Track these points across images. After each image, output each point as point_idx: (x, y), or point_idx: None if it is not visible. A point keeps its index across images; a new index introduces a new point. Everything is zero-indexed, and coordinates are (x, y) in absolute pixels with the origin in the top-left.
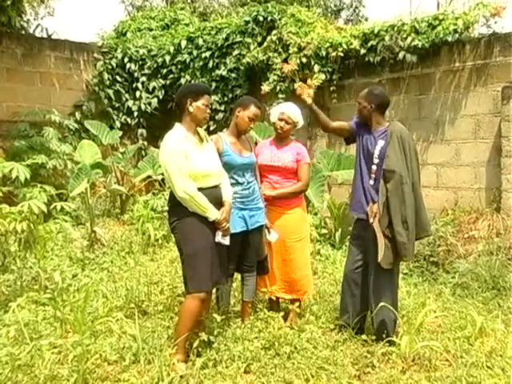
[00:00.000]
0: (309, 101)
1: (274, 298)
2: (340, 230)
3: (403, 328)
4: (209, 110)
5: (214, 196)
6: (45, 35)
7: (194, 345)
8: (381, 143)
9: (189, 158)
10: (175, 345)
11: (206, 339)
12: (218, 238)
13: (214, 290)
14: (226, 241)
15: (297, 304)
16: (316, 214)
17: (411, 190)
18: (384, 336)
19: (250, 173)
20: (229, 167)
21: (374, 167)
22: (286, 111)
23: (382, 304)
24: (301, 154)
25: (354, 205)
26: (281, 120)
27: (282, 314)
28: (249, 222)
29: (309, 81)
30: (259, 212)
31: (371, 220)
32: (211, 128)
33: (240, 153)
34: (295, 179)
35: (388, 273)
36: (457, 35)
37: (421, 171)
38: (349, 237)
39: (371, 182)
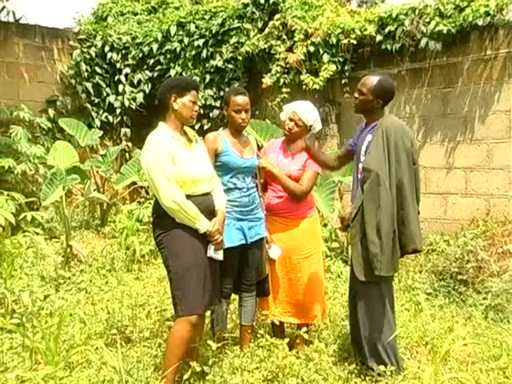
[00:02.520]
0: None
1: (278, 323)
2: None
3: (427, 357)
4: (197, 108)
5: (206, 205)
6: (11, 19)
7: (185, 376)
8: (368, 138)
9: (176, 162)
10: (163, 377)
11: (198, 370)
12: (210, 252)
13: (207, 313)
14: (220, 255)
15: (304, 329)
16: (325, 225)
17: (390, 193)
18: (379, 365)
19: (251, 178)
20: (228, 169)
21: (360, 165)
22: (299, 111)
23: (370, 326)
24: (311, 163)
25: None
26: (290, 120)
27: (287, 340)
28: (248, 234)
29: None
30: (259, 223)
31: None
32: (205, 127)
33: (241, 154)
34: None
35: (372, 289)
36: (488, 18)
37: (446, 176)
38: None
39: (358, 183)
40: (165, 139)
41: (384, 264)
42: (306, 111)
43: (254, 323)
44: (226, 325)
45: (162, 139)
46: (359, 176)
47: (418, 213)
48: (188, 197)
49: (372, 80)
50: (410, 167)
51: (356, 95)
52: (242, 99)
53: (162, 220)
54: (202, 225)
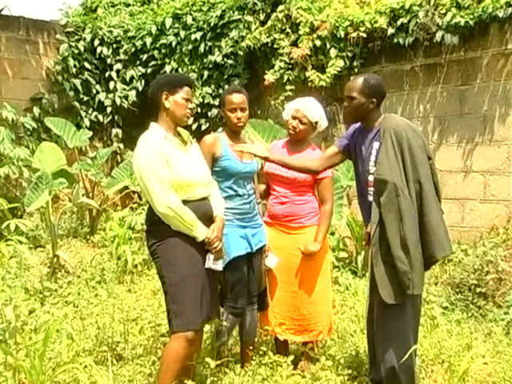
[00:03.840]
0: (262, 155)
1: (282, 338)
2: (363, 252)
3: (443, 377)
4: (191, 105)
5: (203, 211)
6: None
7: None
8: (375, 146)
9: (170, 164)
10: None
11: None
12: (209, 263)
13: (205, 328)
14: (219, 266)
15: (310, 346)
16: (333, 233)
17: (411, 201)
18: None
19: (251, 184)
20: (228, 175)
21: (371, 177)
22: (302, 108)
23: (388, 347)
24: None
25: (365, 221)
26: (294, 118)
27: (291, 358)
28: (252, 241)
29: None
30: (260, 229)
31: (363, 243)
32: (203, 127)
33: (241, 158)
34: (309, 193)
35: (394, 309)
36: (510, 9)
37: (464, 180)
38: None
39: (369, 198)
40: (158, 140)
41: (416, 281)
42: (310, 107)
43: (256, 339)
44: (227, 340)
45: (154, 140)
46: (370, 189)
47: (442, 212)
48: (184, 202)
49: (357, 81)
50: (427, 164)
51: (346, 104)
52: (236, 97)
53: (157, 228)
54: (200, 232)
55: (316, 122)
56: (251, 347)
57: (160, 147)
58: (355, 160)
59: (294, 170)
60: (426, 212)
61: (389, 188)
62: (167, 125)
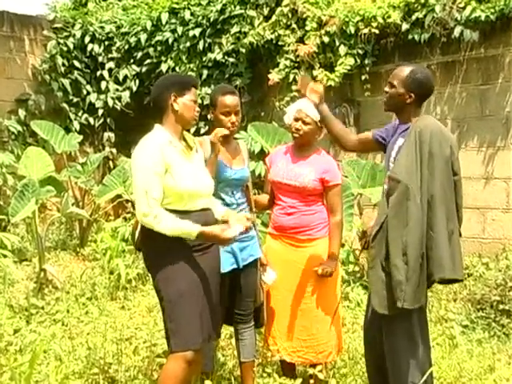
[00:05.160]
0: (315, 99)
1: (288, 360)
2: None
3: None
4: (198, 108)
5: (204, 221)
6: None
7: None
8: (399, 142)
9: (172, 172)
10: None
11: None
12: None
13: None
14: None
15: (319, 368)
16: (343, 245)
17: (420, 209)
18: None
19: (241, 192)
20: (214, 181)
21: (388, 173)
22: (303, 107)
23: (399, 369)
24: (329, 171)
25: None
26: (297, 120)
27: (299, 381)
28: (240, 256)
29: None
30: (252, 242)
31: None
32: (202, 131)
33: (230, 164)
34: (318, 202)
35: (398, 322)
36: None
37: (485, 188)
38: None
39: (384, 194)
40: (162, 144)
41: (409, 295)
42: (312, 105)
43: (256, 358)
44: (212, 363)
45: (158, 143)
46: (385, 186)
47: (460, 235)
48: (184, 213)
49: (404, 70)
50: (449, 179)
51: (386, 89)
52: (231, 100)
53: (153, 239)
54: (190, 232)
55: (320, 121)
56: (252, 367)
57: (162, 153)
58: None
59: (330, 131)
60: (433, 226)
61: (400, 189)
62: (174, 128)
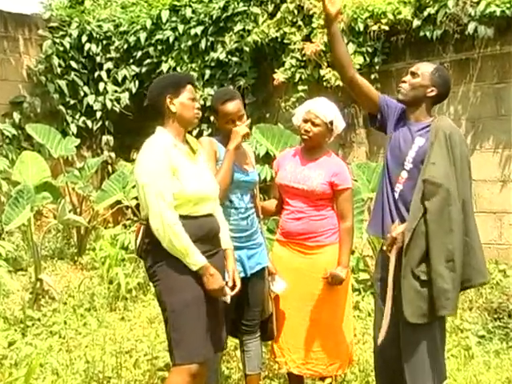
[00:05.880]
0: (331, 10)
1: (296, 372)
2: None
3: None
4: (198, 105)
5: (209, 228)
6: None
7: None
8: (419, 141)
9: (179, 175)
10: None
11: None
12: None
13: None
14: (227, 298)
15: (328, 380)
16: (352, 252)
17: (462, 213)
18: None
19: (250, 197)
20: None
21: (404, 174)
22: (313, 108)
23: (421, 376)
24: (339, 174)
25: (372, 221)
26: (306, 121)
27: None
28: (247, 264)
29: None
30: (259, 250)
31: (385, 248)
32: (205, 133)
33: (240, 165)
34: (328, 207)
35: (424, 332)
36: None
37: (501, 191)
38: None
39: (395, 195)
40: (166, 147)
41: (454, 302)
42: (322, 106)
43: (262, 371)
44: (216, 376)
45: (162, 146)
46: (398, 186)
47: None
48: (188, 218)
49: (429, 64)
50: (471, 181)
51: (406, 78)
52: (231, 106)
53: (157, 246)
54: (193, 262)
55: (331, 123)
56: (258, 380)
57: (168, 155)
58: (388, 145)
59: (334, 51)
60: (468, 231)
61: (441, 194)
62: (176, 131)
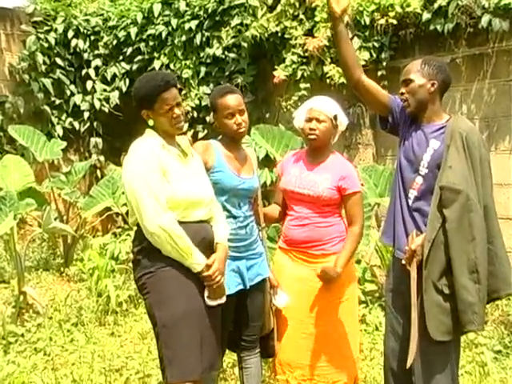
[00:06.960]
0: (336, 9)
1: None
2: None
3: None
4: (178, 111)
5: (202, 235)
6: None
7: None
8: (434, 144)
9: (168, 177)
10: None
11: None
12: (206, 300)
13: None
14: (215, 303)
15: None
16: (359, 261)
17: (484, 220)
18: None
19: (249, 204)
20: (220, 191)
21: (418, 179)
22: (315, 105)
23: None
24: (346, 177)
25: (385, 229)
26: (310, 120)
27: None
28: (246, 276)
29: None
30: (260, 260)
31: (404, 262)
32: (200, 134)
33: (238, 172)
34: (335, 213)
35: (438, 347)
36: None
37: None
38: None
39: (409, 202)
40: (154, 148)
41: (481, 316)
42: (323, 102)
43: None
44: None
45: (150, 147)
46: (413, 192)
47: None
48: (179, 224)
49: (414, 63)
50: (492, 183)
51: (402, 91)
52: (231, 99)
53: (146, 256)
54: (197, 262)
55: (335, 118)
56: None
57: (157, 156)
58: (400, 150)
59: (340, 50)
60: (492, 239)
61: (461, 201)
62: (164, 134)
